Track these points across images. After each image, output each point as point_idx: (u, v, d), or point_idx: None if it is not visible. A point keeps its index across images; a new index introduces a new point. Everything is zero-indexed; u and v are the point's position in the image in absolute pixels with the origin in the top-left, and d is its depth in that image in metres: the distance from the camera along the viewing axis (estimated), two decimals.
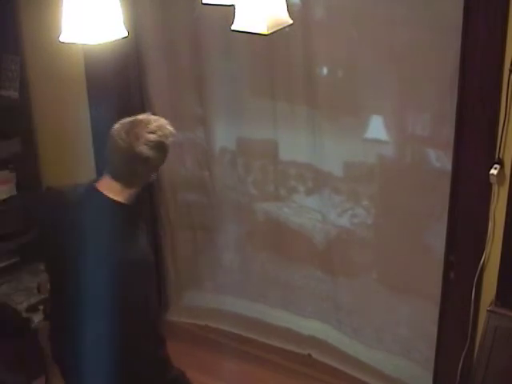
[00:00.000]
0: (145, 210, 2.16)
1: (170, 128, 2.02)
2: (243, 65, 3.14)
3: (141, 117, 2.00)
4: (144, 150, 1.93)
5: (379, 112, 2.89)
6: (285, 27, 1.49)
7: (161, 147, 1.97)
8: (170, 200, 3.56)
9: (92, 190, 2.03)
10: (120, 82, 3.20)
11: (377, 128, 2.93)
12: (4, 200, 3.53)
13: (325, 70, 2.98)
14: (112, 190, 2.00)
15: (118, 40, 1.61)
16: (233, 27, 1.46)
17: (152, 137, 1.94)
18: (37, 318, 3.20)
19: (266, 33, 1.42)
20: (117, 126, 1.97)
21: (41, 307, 3.22)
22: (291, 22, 1.50)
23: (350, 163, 3.04)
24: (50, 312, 2.31)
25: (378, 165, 2.95)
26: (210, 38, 3.11)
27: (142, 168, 1.98)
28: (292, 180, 3.24)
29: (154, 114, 3.29)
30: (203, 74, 3.23)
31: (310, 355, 3.44)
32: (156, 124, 1.98)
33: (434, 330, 2.80)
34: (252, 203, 3.40)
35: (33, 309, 3.24)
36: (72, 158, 3.49)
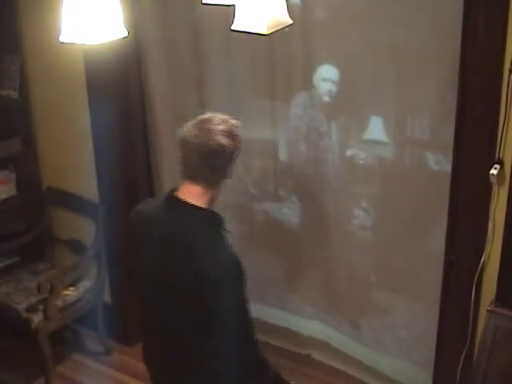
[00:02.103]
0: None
1: (234, 120, 2.04)
2: (243, 65, 3.14)
3: (203, 116, 2.02)
4: (219, 139, 1.93)
5: (379, 112, 2.89)
6: (285, 27, 1.49)
7: (233, 135, 1.98)
8: None
9: (172, 200, 2.01)
10: (120, 82, 3.20)
11: (376, 129, 2.92)
12: (4, 200, 3.53)
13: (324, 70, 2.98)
14: (193, 195, 1.97)
15: (118, 40, 1.60)
16: (233, 27, 1.46)
17: (222, 127, 1.96)
18: (37, 318, 3.20)
19: (265, 33, 1.42)
20: (184, 129, 1.98)
21: (41, 307, 3.22)
22: (291, 22, 1.50)
23: (349, 164, 3.04)
24: (142, 329, 2.24)
25: (378, 166, 2.95)
26: (210, 37, 3.11)
27: (220, 160, 1.96)
28: (291, 180, 3.23)
29: (153, 114, 3.37)
30: (203, 73, 3.23)
31: (310, 355, 3.44)
32: (220, 117, 2.00)
33: (433, 330, 2.80)
34: (252, 203, 3.40)
35: (33, 309, 3.24)
36: (72, 157, 3.49)
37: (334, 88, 2.95)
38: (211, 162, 1.94)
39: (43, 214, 3.64)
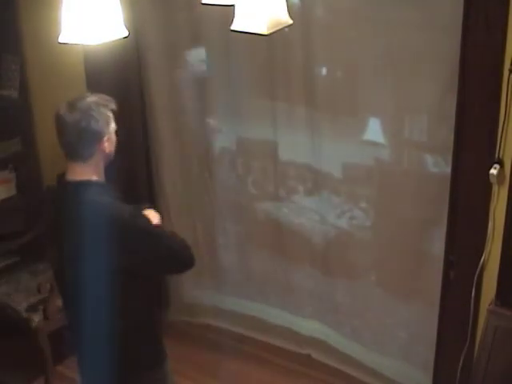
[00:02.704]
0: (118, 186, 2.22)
1: (108, 98, 2.10)
2: (243, 65, 3.14)
3: (78, 95, 2.12)
4: (83, 116, 2.01)
5: (378, 113, 2.89)
6: (285, 27, 1.48)
7: (100, 112, 2.04)
8: (170, 199, 3.56)
9: (60, 182, 2.14)
10: (120, 82, 3.20)
11: (376, 130, 2.92)
12: (4, 200, 3.53)
13: (324, 71, 2.98)
14: (75, 172, 2.07)
15: (118, 40, 1.60)
16: (233, 27, 1.46)
17: (90, 105, 2.04)
18: (37, 318, 3.20)
19: (265, 33, 1.42)
20: (57, 109, 2.07)
21: (41, 307, 3.22)
22: (291, 22, 1.50)
23: (348, 164, 3.03)
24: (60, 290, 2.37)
25: (376, 167, 2.94)
26: (210, 38, 3.11)
27: (87, 136, 2.03)
28: (291, 180, 3.24)
29: (153, 113, 3.37)
30: (203, 74, 3.23)
31: (309, 355, 3.44)
32: (93, 96, 2.08)
33: (433, 330, 2.80)
34: (252, 203, 3.41)
35: (33, 309, 3.24)
36: None
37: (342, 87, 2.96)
38: (80, 138, 2.03)
39: (43, 214, 3.64)
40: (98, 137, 2.05)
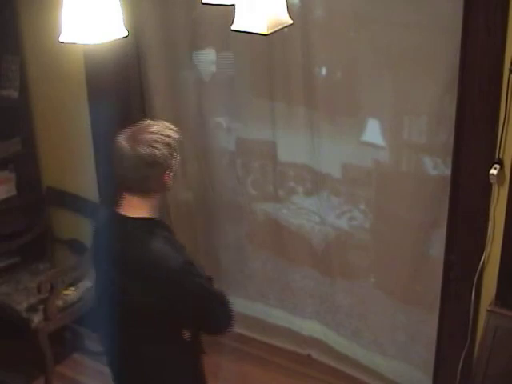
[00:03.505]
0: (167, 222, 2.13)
1: (171, 127, 2.00)
2: (242, 65, 3.14)
3: (140, 124, 1.99)
4: (147, 150, 1.89)
5: (377, 114, 2.88)
6: (285, 27, 1.48)
7: (166, 145, 1.93)
8: (169, 200, 3.56)
9: (114, 216, 2.02)
10: (120, 82, 3.20)
11: (375, 132, 2.90)
12: (4, 200, 3.53)
13: (323, 71, 2.97)
14: (131, 206, 1.98)
15: (118, 40, 1.60)
16: (233, 27, 1.46)
17: (155, 137, 1.92)
18: (37, 318, 3.20)
19: (265, 33, 1.42)
20: (118, 139, 1.95)
21: (41, 307, 3.22)
22: (291, 22, 1.50)
23: (348, 166, 3.02)
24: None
25: (375, 168, 2.94)
26: (210, 38, 3.11)
27: (151, 171, 1.92)
28: (291, 181, 3.23)
29: (153, 113, 3.37)
30: (202, 74, 3.23)
31: (309, 355, 3.44)
32: (156, 126, 1.96)
33: (433, 331, 2.80)
34: (251, 204, 3.40)
35: (33, 309, 3.24)
36: (72, 157, 3.49)
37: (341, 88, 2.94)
38: (143, 172, 1.92)
39: (43, 214, 3.64)
40: (161, 171, 1.94)
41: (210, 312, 2.06)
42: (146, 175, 1.93)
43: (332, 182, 3.09)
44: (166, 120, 3.33)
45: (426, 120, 2.75)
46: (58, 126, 3.47)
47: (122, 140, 1.92)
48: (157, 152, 1.90)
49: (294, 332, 3.49)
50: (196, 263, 2.03)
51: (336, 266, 3.23)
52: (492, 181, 2.37)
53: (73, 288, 3.40)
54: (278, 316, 3.53)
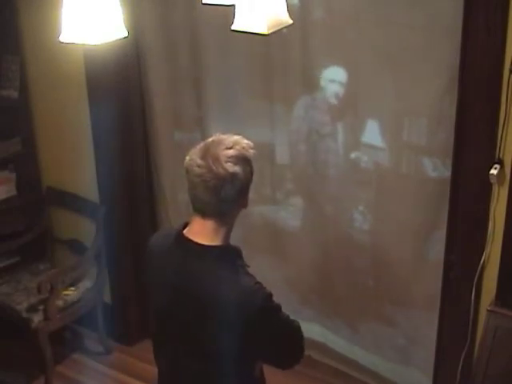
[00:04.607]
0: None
1: (245, 140, 1.76)
2: (242, 66, 3.13)
3: (211, 139, 1.75)
4: (227, 166, 1.67)
5: (377, 115, 2.86)
6: (285, 27, 1.48)
7: (244, 160, 1.71)
8: (169, 200, 3.56)
9: (181, 240, 1.78)
10: (120, 82, 3.20)
11: (374, 133, 2.88)
12: (4, 200, 3.53)
13: (322, 72, 2.96)
14: (204, 232, 1.75)
15: (118, 40, 1.60)
16: (233, 27, 1.46)
17: (231, 152, 1.69)
18: (37, 318, 3.20)
19: (265, 33, 1.42)
20: (188, 158, 1.73)
21: (41, 307, 3.22)
22: (291, 22, 1.50)
23: (347, 167, 3.01)
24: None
25: (375, 170, 2.92)
26: (210, 38, 3.10)
27: (231, 191, 1.69)
28: (289, 183, 3.21)
29: (153, 113, 3.37)
30: (202, 74, 3.22)
31: (309, 356, 3.43)
32: (230, 139, 1.73)
33: (433, 331, 2.79)
34: (249, 206, 3.37)
35: (33, 309, 3.24)
36: (72, 157, 3.49)
37: (341, 90, 2.93)
38: (221, 193, 1.68)
39: (43, 214, 3.64)
40: (242, 192, 1.73)
41: (292, 347, 1.90)
42: (225, 197, 1.69)
43: (331, 183, 3.07)
44: (165, 120, 3.39)
45: (426, 121, 2.74)
46: (58, 126, 3.47)
47: (193, 157, 1.71)
48: (236, 169, 1.68)
49: None
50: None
51: (335, 267, 3.21)
52: (492, 181, 2.37)
53: (73, 288, 3.40)
54: None
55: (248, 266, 1.81)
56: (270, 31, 1.42)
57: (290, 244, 3.32)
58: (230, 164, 1.68)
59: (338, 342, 3.33)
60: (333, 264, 3.21)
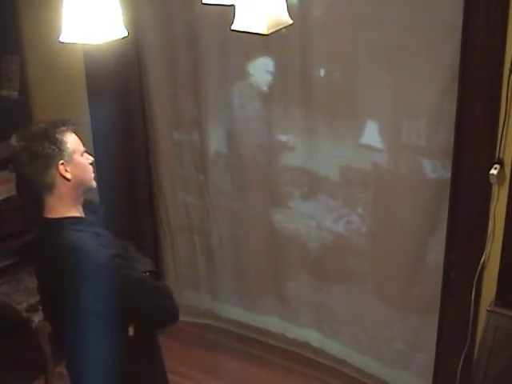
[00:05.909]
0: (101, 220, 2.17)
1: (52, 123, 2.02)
2: (242, 66, 3.13)
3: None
4: (16, 144, 2.00)
5: (376, 116, 2.85)
6: (284, 27, 1.48)
7: (30, 137, 2.02)
8: (169, 201, 3.56)
9: (40, 221, 2.00)
10: (120, 82, 3.20)
11: (373, 134, 2.87)
12: (4, 200, 3.53)
13: (321, 73, 2.95)
14: (49, 207, 1.96)
15: (118, 40, 1.60)
16: (233, 27, 1.46)
17: (26, 133, 2.04)
18: (37, 318, 3.20)
19: (265, 33, 1.42)
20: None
21: (41, 307, 3.22)
22: (291, 22, 1.50)
23: (346, 168, 2.99)
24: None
25: (374, 171, 2.91)
26: (209, 38, 3.10)
27: (30, 167, 1.95)
28: (287, 185, 3.20)
29: (153, 113, 3.37)
30: (201, 74, 3.22)
31: (309, 356, 3.43)
32: (38, 124, 2.05)
33: (432, 334, 2.79)
34: (247, 208, 3.37)
35: (33, 309, 3.24)
36: None
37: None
38: (24, 171, 1.96)
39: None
40: (49, 162, 1.93)
41: (146, 305, 1.99)
42: (28, 173, 1.95)
43: (329, 185, 3.05)
44: (164, 120, 3.39)
45: (425, 122, 2.73)
46: None
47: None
48: (21, 144, 2.00)
49: (290, 339, 3.47)
50: (138, 256, 2.04)
51: (332, 271, 3.19)
52: (492, 181, 2.37)
53: None
54: (274, 324, 3.49)
55: (98, 234, 1.99)
56: (269, 31, 1.42)
57: (288, 246, 3.29)
58: (19, 143, 2.00)
59: (335, 347, 3.32)
60: (330, 267, 3.20)
